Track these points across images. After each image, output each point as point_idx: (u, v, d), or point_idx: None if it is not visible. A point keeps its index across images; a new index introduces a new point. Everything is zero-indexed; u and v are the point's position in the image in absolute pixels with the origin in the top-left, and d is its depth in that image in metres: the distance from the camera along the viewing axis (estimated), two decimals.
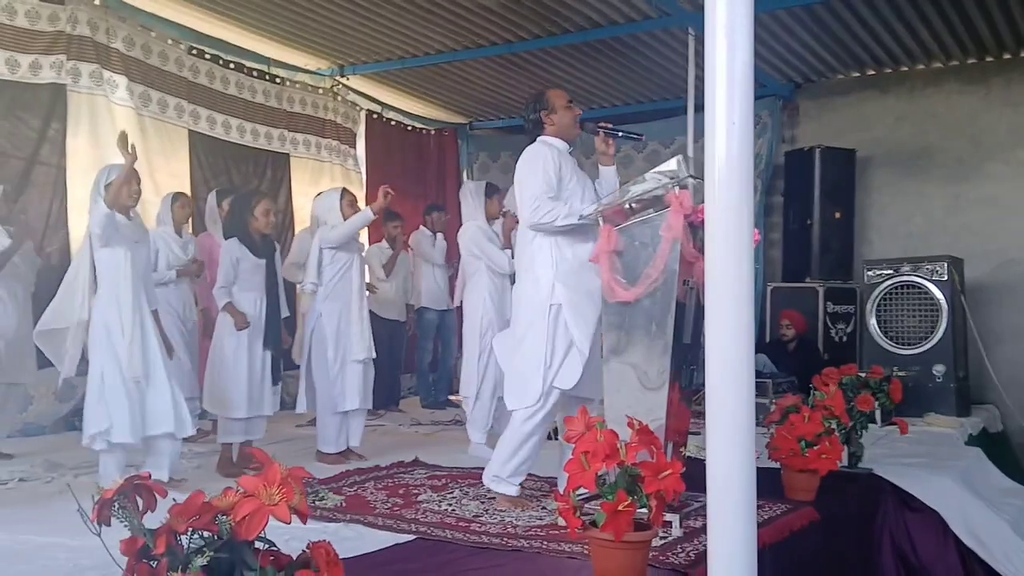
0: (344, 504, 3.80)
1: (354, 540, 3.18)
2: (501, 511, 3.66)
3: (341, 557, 1.85)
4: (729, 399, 2.21)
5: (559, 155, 3.80)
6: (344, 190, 5.27)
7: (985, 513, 4.56)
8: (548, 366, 3.65)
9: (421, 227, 7.82)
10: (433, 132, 9.76)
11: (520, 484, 3.80)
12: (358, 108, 8.76)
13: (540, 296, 3.69)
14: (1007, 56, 7.78)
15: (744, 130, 2.21)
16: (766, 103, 8.44)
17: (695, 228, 3.34)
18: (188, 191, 6.62)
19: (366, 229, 6.20)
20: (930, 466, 4.79)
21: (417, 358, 7.91)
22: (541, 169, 3.71)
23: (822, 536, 3.69)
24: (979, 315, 7.36)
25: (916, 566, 4.35)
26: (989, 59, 7.87)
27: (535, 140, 3.90)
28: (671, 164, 3.45)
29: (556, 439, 4.03)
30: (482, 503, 3.80)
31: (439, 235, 7.68)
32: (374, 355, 5.11)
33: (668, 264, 3.36)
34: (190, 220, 6.04)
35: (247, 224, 4.83)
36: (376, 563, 2.89)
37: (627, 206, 3.53)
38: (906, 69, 8.20)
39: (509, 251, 5.47)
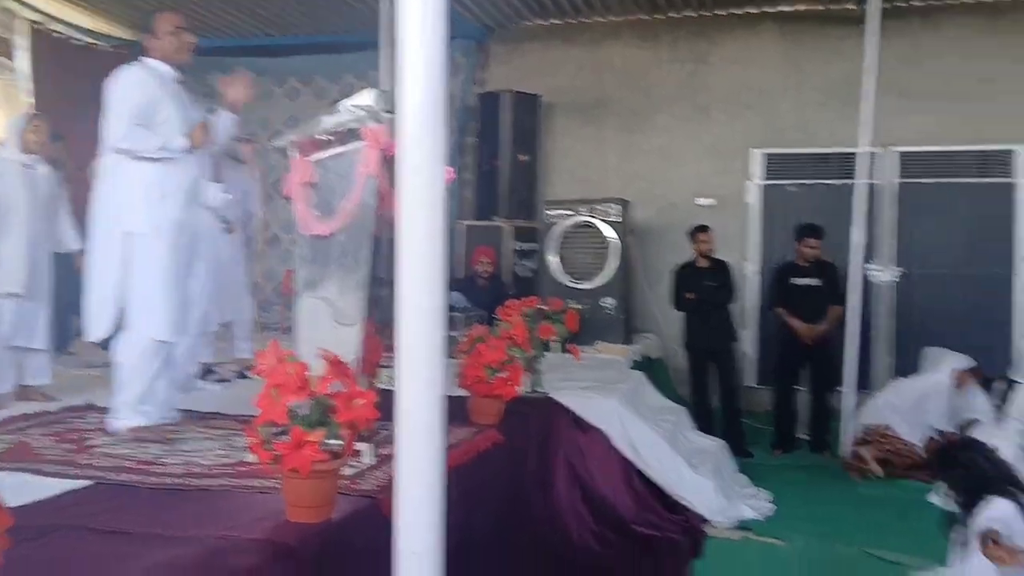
0: (6, 452, 3.46)
1: (18, 488, 2.90)
2: (185, 451, 3.52)
3: (6, 506, 1.71)
4: (419, 330, 2.28)
5: (158, 80, 3.80)
6: (33, 115, 4.76)
7: (644, 429, 5.11)
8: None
9: None
10: (110, 49, 8.90)
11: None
12: (13, 16, 7.78)
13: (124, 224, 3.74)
14: (673, 15, 8.51)
15: (437, 68, 2.24)
16: (460, 45, 8.60)
17: (391, 162, 3.36)
18: None
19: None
20: (599, 389, 5.26)
21: None
22: (131, 92, 3.71)
23: (505, 456, 3.94)
24: (644, 254, 8.13)
25: (586, 478, 4.79)
26: (659, 17, 8.57)
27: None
28: (367, 98, 3.43)
29: None
30: (164, 445, 3.63)
31: None
32: (18, 290, 4.59)
33: (364, 198, 3.37)
34: None
35: None
36: (48, 511, 2.67)
37: (321, 137, 3.47)
38: (588, 21, 8.71)
39: (221, 184, 5.20)
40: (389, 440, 3.25)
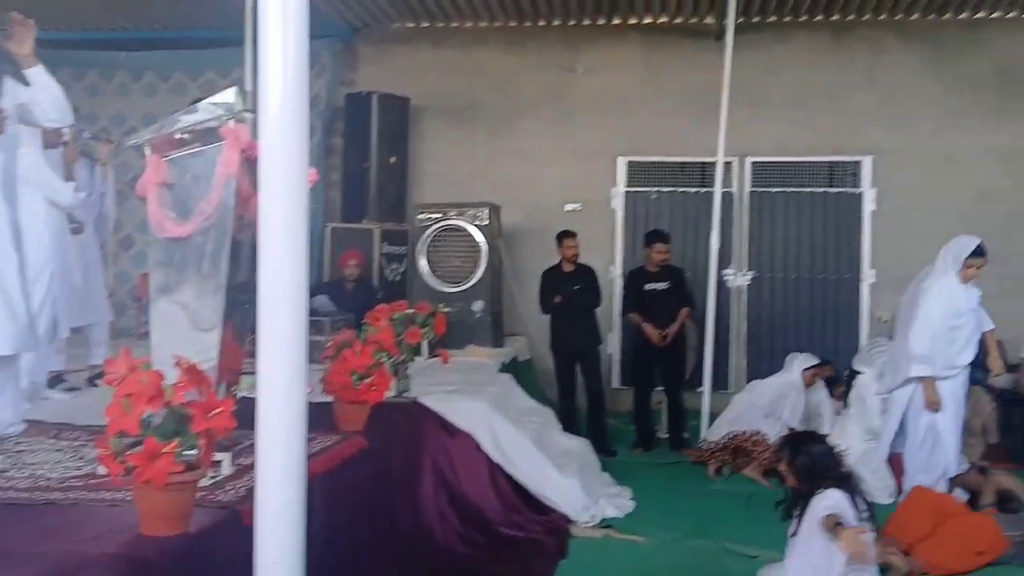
0: None
1: None
2: (31, 464, 3.34)
3: None
4: (281, 336, 2.24)
5: None
6: None
7: (511, 431, 5.16)
8: None
9: None
10: None
11: None
12: None
13: None
14: (541, 23, 8.66)
15: (299, 67, 2.21)
16: (326, 44, 8.49)
17: (252, 163, 3.28)
18: None
19: None
20: (467, 392, 5.27)
21: None
22: None
23: (371, 462, 3.90)
24: (513, 257, 8.22)
25: (452, 482, 4.80)
26: (527, 24, 8.69)
27: None
28: (227, 96, 3.34)
29: None
30: (8, 457, 3.43)
31: None
32: None
33: (223, 199, 3.27)
34: None
35: None
36: None
37: (178, 136, 3.35)
38: (457, 26, 8.75)
39: (73, 183, 4.95)
40: (251, 449, 3.18)
